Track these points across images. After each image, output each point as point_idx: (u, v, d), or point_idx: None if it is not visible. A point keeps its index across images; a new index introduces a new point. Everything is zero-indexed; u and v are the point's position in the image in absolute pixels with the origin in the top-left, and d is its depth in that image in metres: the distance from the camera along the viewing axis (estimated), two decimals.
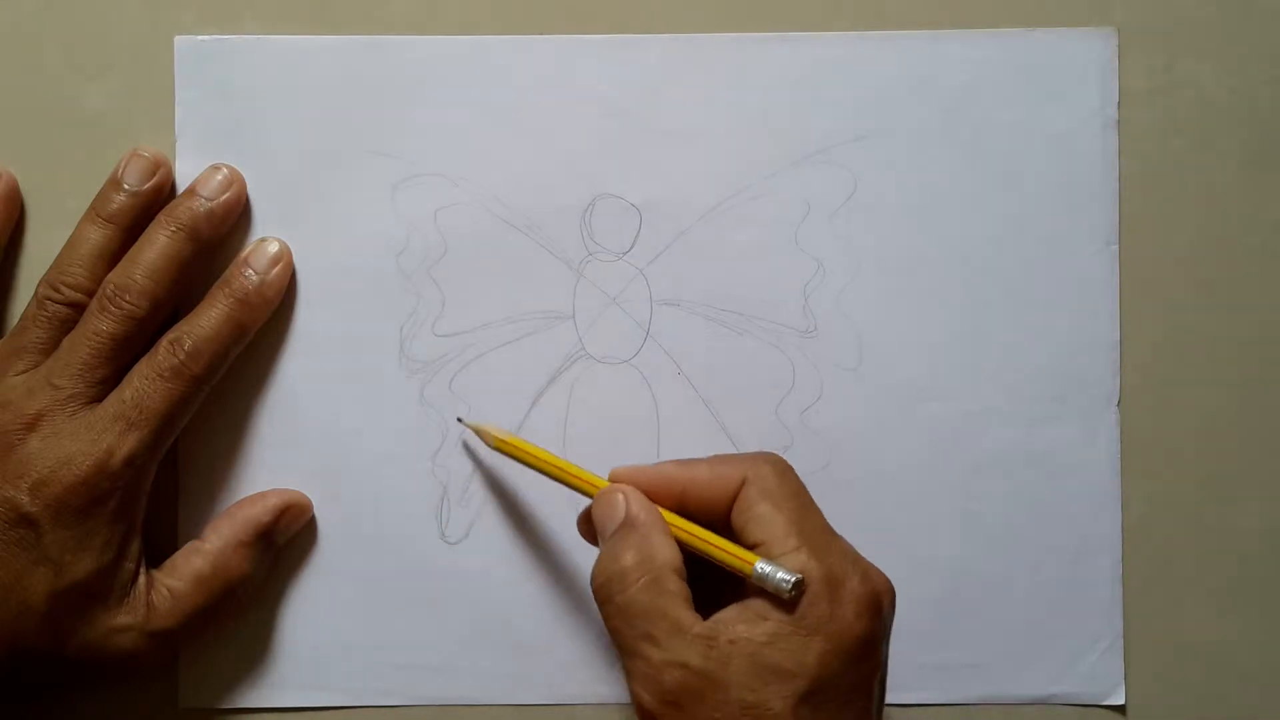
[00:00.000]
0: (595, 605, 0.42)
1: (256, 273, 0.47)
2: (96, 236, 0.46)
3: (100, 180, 0.47)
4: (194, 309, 0.47)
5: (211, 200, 0.47)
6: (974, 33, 0.49)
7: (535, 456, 0.46)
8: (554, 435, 0.49)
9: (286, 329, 0.48)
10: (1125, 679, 0.49)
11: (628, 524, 0.42)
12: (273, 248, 0.48)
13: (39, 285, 0.46)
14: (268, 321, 0.48)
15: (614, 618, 0.42)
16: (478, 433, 0.48)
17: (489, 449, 0.47)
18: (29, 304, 0.46)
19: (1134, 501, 0.49)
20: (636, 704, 0.41)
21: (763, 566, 0.40)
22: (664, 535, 0.42)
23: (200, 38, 0.49)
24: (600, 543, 0.43)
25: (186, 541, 0.47)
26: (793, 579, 0.40)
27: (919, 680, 0.49)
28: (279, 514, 0.47)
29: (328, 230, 0.49)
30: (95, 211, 0.47)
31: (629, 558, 0.42)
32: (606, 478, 0.44)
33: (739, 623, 0.40)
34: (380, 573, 0.49)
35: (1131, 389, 0.49)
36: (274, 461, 0.49)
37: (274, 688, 0.49)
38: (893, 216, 0.49)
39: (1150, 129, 0.49)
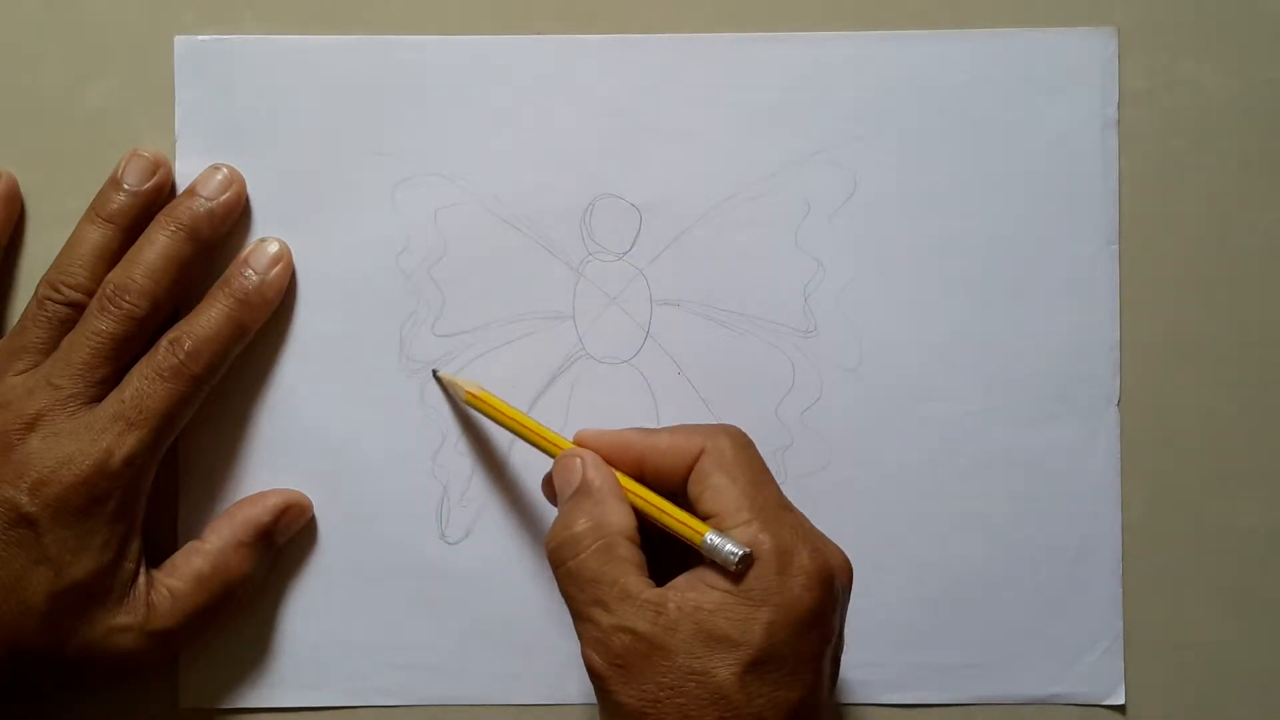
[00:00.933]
0: None
1: (256, 273, 0.47)
2: (96, 236, 0.47)
3: (100, 180, 0.48)
4: (194, 309, 0.47)
5: (211, 200, 0.47)
6: (974, 32, 0.49)
7: (503, 413, 0.46)
8: None
9: (286, 329, 0.49)
10: (1125, 679, 0.49)
11: (583, 489, 0.43)
12: (273, 248, 0.48)
13: (39, 285, 0.46)
14: (268, 322, 0.48)
15: (566, 582, 0.42)
16: (450, 385, 0.48)
17: (463, 403, 0.48)
18: (29, 304, 0.46)
19: (1134, 501, 0.49)
20: (587, 666, 0.42)
21: (712, 538, 0.41)
22: (619, 501, 0.43)
23: (200, 38, 0.49)
24: (558, 505, 0.44)
25: (186, 541, 0.47)
26: (740, 552, 0.40)
27: (919, 680, 0.49)
28: (279, 514, 0.47)
29: (328, 230, 0.49)
30: (95, 211, 0.47)
31: (582, 523, 0.42)
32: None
33: (688, 590, 0.41)
34: (380, 573, 0.49)
35: (1131, 389, 0.49)
36: (274, 461, 0.49)
37: (274, 687, 0.49)
38: (893, 216, 0.49)
39: (1150, 129, 0.49)
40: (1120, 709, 0.49)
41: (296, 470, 0.49)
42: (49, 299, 0.46)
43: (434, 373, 0.48)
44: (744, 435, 0.44)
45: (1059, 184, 0.49)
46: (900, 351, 0.49)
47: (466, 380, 0.48)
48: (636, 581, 0.41)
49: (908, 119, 0.49)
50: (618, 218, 0.49)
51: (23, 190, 0.49)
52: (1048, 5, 0.49)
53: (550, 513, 0.48)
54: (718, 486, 0.42)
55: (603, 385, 0.49)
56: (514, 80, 0.49)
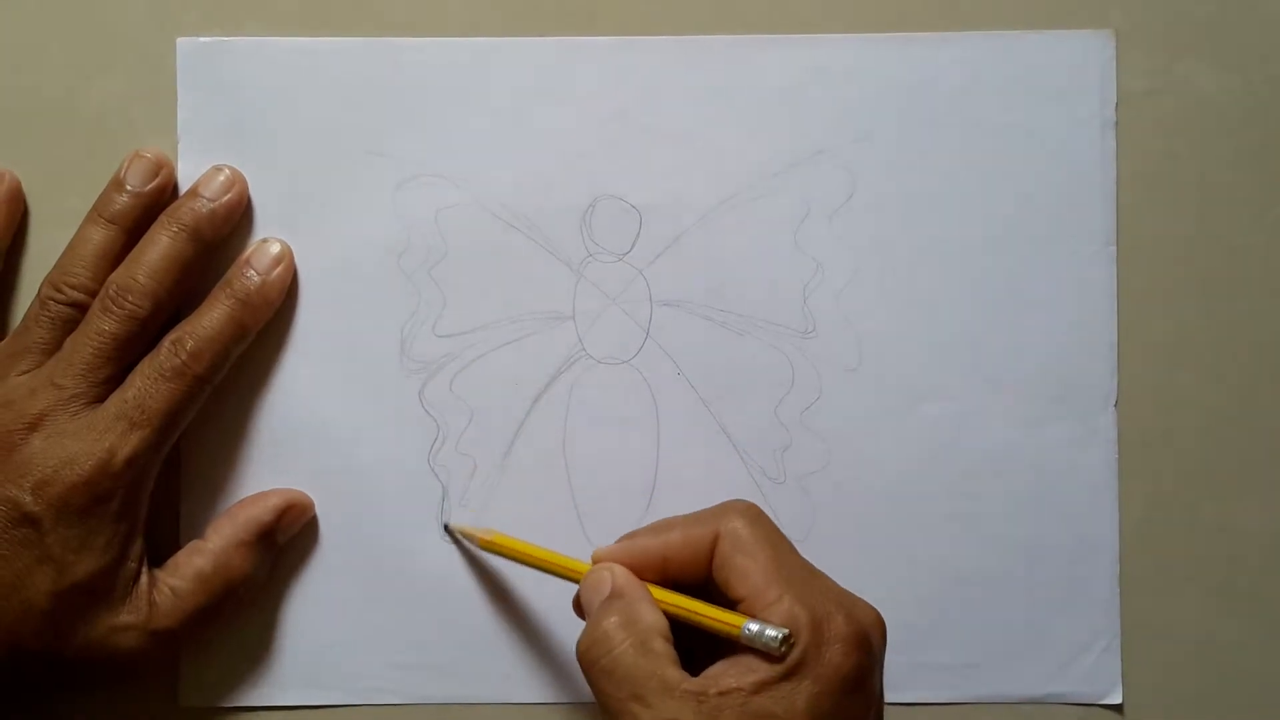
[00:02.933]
0: None
1: (258, 273, 0.47)
2: (99, 237, 0.47)
3: (103, 181, 0.48)
4: (196, 309, 0.47)
5: (213, 201, 0.47)
6: (972, 35, 0.49)
7: (519, 552, 0.46)
8: (554, 435, 0.49)
9: (288, 329, 0.49)
10: (1123, 678, 0.49)
11: (614, 594, 0.42)
12: (274, 248, 0.48)
13: (42, 286, 0.47)
14: (269, 322, 0.48)
15: (600, 680, 0.41)
16: (465, 536, 0.48)
17: (479, 550, 0.48)
18: (31, 304, 0.47)
19: (1132, 501, 0.49)
20: None
21: (751, 627, 0.40)
22: (649, 604, 0.42)
23: (202, 39, 0.49)
24: (587, 617, 0.43)
25: (188, 541, 0.47)
26: (780, 634, 0.40)
27: (917, 680, 0.49)
28: (280, 513, 0.48)
29: (329, 231, 0.49)
30: (97, 212, 0.47)
31: (613, 622, 0.41)
32: (589, 559, 0.45)
33: (727, 675, 0.40)
34: (381, 572, 0.49)
35: (1129, 389, 0.49)
36: (275, 461, 0.49)
37: (274, 686, 0.49)
38: (892, 217, 0.49)
39: (1148, 130, 0.49)
40: (1118, 708, 0.49)
41: (297, 470, 0.49)
42: (52, 299, 0.46)
43: (445, 527, 0.49)
44: (753, 508, 0.43)
45: (1057, 185, 0.49)
46: (899, 352, 0.49)
47: (481, 529, 0.48)
48: (675, 673, 0.40)
49: (907, 120, 0.49)
50: (618, 218, 0.49)
51: (25, 191, 0.49)
52: (1046, 7, 0.49)
53: (551, 513, 0.49)
54: (741, 569, 0.42)
55: (603, 385, 0.49)
56: (514, 81, 0.49)
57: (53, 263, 0.47)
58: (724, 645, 0.41)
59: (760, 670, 0.40)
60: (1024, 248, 0.49)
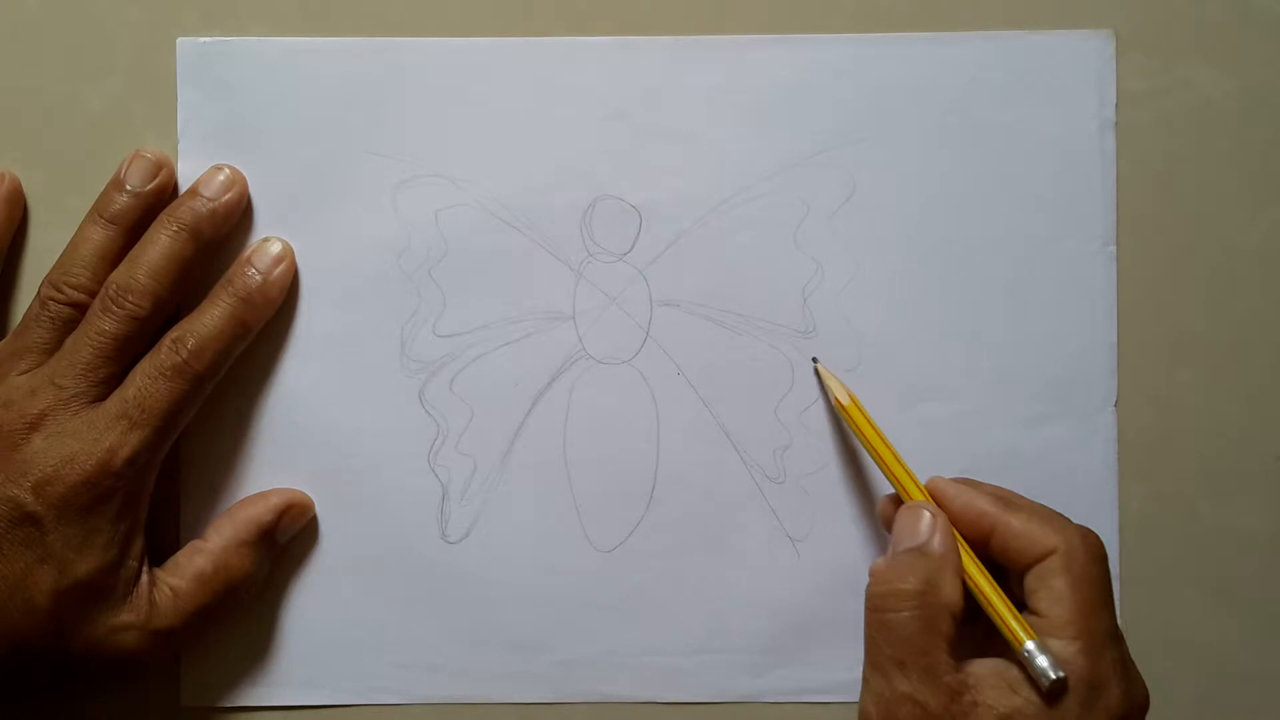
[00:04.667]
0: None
1: (259, 272, 0.47)
2: (99, 237, 0.47)
3: (103, 181, 0.48)
4: (196, 308, 0.47)
5: (213, 200, 0.47)
6: (972, 35, 0.49)
7: (867, 434, 0.46)
8: (554, 435, 0.49)
9: (288, 329, 0.49)
10: None
11: (924, 550, 0.43)
12: (275, 248, 0.48)
13: (42, 285, 0.47)
14: (270, 321, 0.48)
15: (877, 629, 0.42)
16: (825, 382, 0.48)
17: (832, 405, 0.48)
18: (31, 304, 0.47)
19: (1131, 501, 0.49)
20: (861, 712, 0.42)
21: (1032, 648, 0.41)
22: (954, 576, 0.42)
23: (202, 39, 0.49)
24: (891, 547, 0.44)
25: (189, 540, 0.48)
26: (1055, 675, 0.40)
27: None
28: (281, 513, 0.48)
29: (329, 231, 0.49)
30: (97, 212, 0.47)
31: (913, 581, 0.42)
32: (924, 479, 0.45)
33: (989, 688, 0.41)
34: (381, 572, 0.49)
35: (1128, 390, 0.49)
36: (275, 461, 0.49)
37: (275, 686, 0.49)
38: (891, 218, 0.49)
39: (1148, 131, 0.49)
40: None
41: (298, 470, 0.49)
42: (52, 299, 0.46)
43: (814, 361, 0.48)
44: (1101, 546, 0.43)
45: (1057, 186, 0.49)
46: (899, 352, 0.49)
47: (844, 387, 0.47)
48: (945, 660, 0.41)
49: (907, 121, 0.49)
50: (618, 218, 0.49)
51: (25, 191, 0.49)
52: (1045, 8, 0.49)
53: (551, 513, 0.49)
54: (1057, 591, 0.42)
55: (603, 386, 0.49)
56: (515, 82, 0.49)
57: (53, 263, 0.47)
58: (982, 620, 0.42)
59: (1019, 698, 0.40)
60: (1023, 248, 0.49)
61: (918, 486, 0.45)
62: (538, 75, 0.49)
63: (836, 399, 0.47)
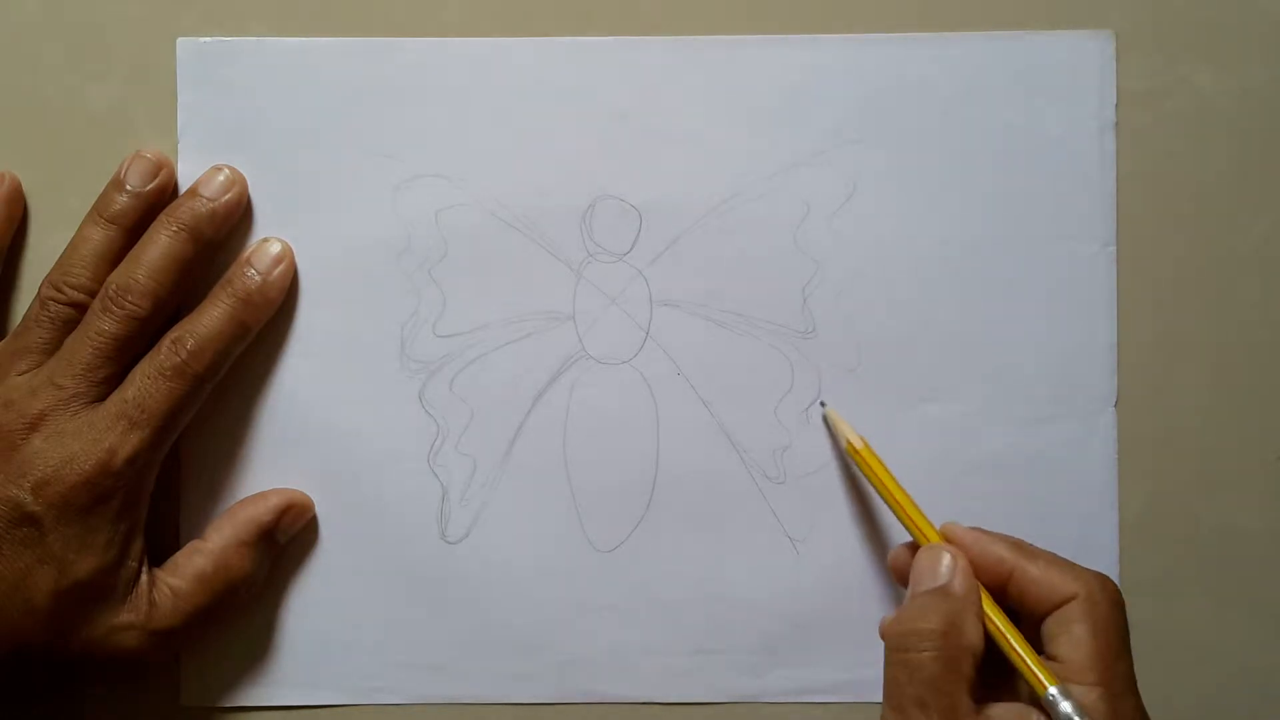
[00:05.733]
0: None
1: (259, 272, 0.47)
2: (99, 237, 0.47)
3: (103, 181, 0.48)
4: (196, 309, 0.47)
5: (213, 200, 0.47)
6: (972, 35, 0.49)
7: (879, 477, 0.46)
8: (554, 435, 0.49)
9: (288, 329, 0.49)
10: None
11: (946, 591, 0.42)
12: (275, 248, 0.48)
13: (41, 286, 0.47)
14: (269, 321, 0.48)
15: (897, 668, 0.41)
16: (835, 427, 0.48)
17: (843, 449, 0.48)
18: (31, 304, 0.47)
19: (1131, 501, 0.49)
20: None
21: (1055, 692, 0.40)
22: (976, 618, 0.42)
23: (202, 39, 0.49)
24: (909, 591, 0.43)
25: (188, 540, 0.48)
26: (1079, 719, 0.40)
27: None
28: (280, 513, 0.48)
29: (329, 231, 0.49)
30: (97, 212, 0.47)
31: (935, 621, 0.41)
32: (939, 526, 0.45)
33: None
34: (381, 572, 0.49)
35: (1129, 390, 0.49)
36: (275, 461, 0.49)
37: (275, 686, 0.49)
38: (891, 218, 0.49)
39: (1148, 131, 0.49)
40: None
41: (298, 470, 0.49)
42: (51, 299, 0.46)
43: (822, 404, 0.48)
44: (1119, 593, 0.43)
45: (1057, 186, 0.49)
46: (899, 352, 0.49)
47: (856, 433, 0.47)
48: (966, 703, 0.40)
49: (906, 121, 0.49)
50: (618, 218, 0.49)
51: (25, 191, 0.49)
52: (1045, 8, 0.49)
53: (551, 513, 0.49)
54: (1078, 636, 0.41)
55: (603, 386, 0.49)
56: (514, 82, 0.49)
57: (53, 263, 0.47)
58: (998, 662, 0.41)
59: None
60: (1024, 248, 0.49)
61: (934, 531, 0.45)
62: (538, 75, 0.49)
63: (849, 443, 0.47)
